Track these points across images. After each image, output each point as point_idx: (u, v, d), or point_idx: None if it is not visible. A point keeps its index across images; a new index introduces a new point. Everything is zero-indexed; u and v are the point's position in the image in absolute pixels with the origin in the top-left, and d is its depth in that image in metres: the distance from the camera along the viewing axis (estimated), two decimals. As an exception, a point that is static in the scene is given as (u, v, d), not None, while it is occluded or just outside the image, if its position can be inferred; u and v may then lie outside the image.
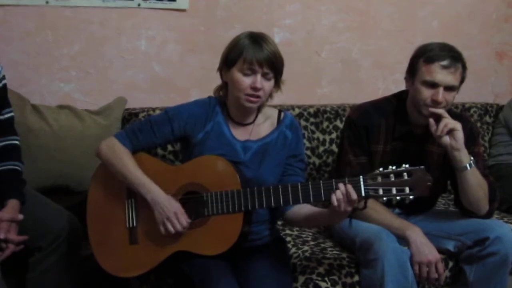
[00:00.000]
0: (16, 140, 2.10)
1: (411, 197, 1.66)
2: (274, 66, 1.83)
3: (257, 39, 1.84)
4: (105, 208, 1.93)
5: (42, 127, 2.40)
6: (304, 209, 1.89)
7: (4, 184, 1.99)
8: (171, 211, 1.78)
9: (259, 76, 1.81)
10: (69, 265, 1.99)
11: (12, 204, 1.93)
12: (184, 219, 1.79)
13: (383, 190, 1.66)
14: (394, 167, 1.67)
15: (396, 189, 1.66)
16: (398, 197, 1.66)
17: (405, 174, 1.66)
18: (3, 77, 2.05)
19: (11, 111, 2.10)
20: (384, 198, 1.67)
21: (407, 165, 1.67)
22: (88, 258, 1.95)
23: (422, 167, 1.67)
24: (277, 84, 1.91)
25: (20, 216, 1.92)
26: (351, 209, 1.68)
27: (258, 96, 1.83)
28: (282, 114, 2.00)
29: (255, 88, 1.81)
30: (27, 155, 2.19)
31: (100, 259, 1.90)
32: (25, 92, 2.49)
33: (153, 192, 1.81)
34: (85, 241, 1.97)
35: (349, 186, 1.66)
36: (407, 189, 1.65)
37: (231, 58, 1.85)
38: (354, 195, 1.66)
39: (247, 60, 1.80)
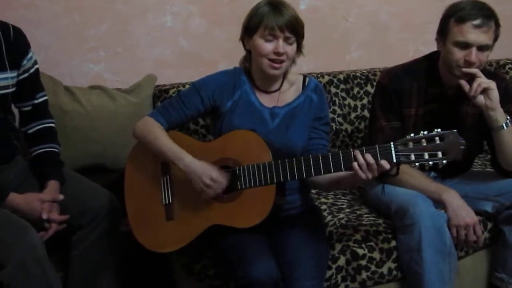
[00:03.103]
0: (52, 122, 2.15)
1: (444, 161, 1.62)
2: (296, 30, 1.84)
3: (276, 5, 1.85)
4: (141, 187, 1.96)
5: (76, 108, 2.43)
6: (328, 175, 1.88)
7: (43, 166, 2.05)
8: (208, 176, 1.79)
9: (281, 41, 1.83)
10: (111, 241, 2.04)
11: (52, 185, 1.99)
12: (222, 181, 1.80)
13: (415, 155, 1.63)
14: (425, 132, 1.64)
15: (429, 154, 1.63)
16: (430, 162, 1.63)
17: (437, 138, 1.62)
18: (35, 62, 2.09)
19: (45, 95, 2.14)
20: (417, 164, 1.64)
21: (439, 130, 1.64)
22: (128, 233, 1.99)
23: (455, 130, 1.63)
24: (299, 49, 1.91)
25: (61, 196, 1.97)
26: (377, 174, 1.67)
27: (281, 61, 1.85)
28: (307, 79, 2.01)
29: (278, 53, 1.83)
30: (63, 136, 2.24)
31: (138, 235, 1.94)
32: (56, 75, 2.51)
33: (187, 162, 1.83)
34: (124, 217, 2.01)
35: (368, 155, 1.65)
36: (439, 154, 1.62)
37: (251, 26, 1.86)
38: (386, 166, 1.65)
39: (268, 26, 1.82)
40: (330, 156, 1.73)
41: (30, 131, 2.10)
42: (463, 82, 1.99)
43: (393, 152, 1.65)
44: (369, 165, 1.65)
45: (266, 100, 1.96)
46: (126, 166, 2.00)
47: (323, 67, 2.88)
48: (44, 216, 1.90)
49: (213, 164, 1.85)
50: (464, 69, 1.98)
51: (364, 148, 1.68)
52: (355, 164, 1.67)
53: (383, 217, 2.18)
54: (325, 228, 2.10)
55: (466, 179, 2.27)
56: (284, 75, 1.98)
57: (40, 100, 2.12)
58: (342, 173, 1.81)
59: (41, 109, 2.12)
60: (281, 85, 1.98)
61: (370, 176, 1.66)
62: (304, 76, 2.02)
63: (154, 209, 1.93)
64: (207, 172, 1.80)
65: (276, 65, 1.85)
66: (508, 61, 3.14)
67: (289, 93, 1.98)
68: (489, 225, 2.18)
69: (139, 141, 1.95)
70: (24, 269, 1.74)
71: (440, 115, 2.12)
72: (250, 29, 1.87)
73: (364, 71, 2.85)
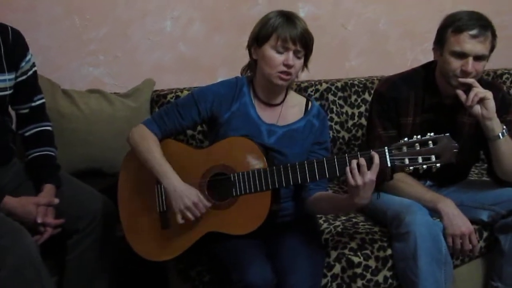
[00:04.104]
0: (49, 125, 2.15)
1: (437, 165, 1.64)
2: (307, 43, 1.84)
3: (289, 16, 1.85)
4: (136, 194, 1.96)
5: (74, 112, 2.43)
6: (325, 194, 1.91)
7: (40, 170, 2.04)
8: (190, 200, 1.79)
9: (291, 54, 1.82)
10: (106, 246, 2.04)
11: (48, 188, 1.99)
12: (203, 207, 1.81)
13: (409, 159, 1.65)
14: (419, 136, 1.66)
15: (422, 158, 1.64)
16: (424, 166, 1.65)
17: (430, 142, 1.64)
18: (33, 65, 2.09)
19: (42, 98, 2.14)
20: (411, 168, 1.66)
21: (431, 134, 1.65)
22: (123, 238, 1.99)
23: (447, 134, 1.65)
24: (305, 63, 1.91)
25: (56, 200, 1.97)
26: (370, 181, 1.65)
27: (289, 74, 1.83)
28: (310, 103, 2.00)
29: (287, 65, 1.82)
30: (60, 139, 2.24)
31: (132, 243, 1.94)
32: (55, 78, 2.52)
33: (172, 181, 1.82)
34: (119, 222, 2.01)
35: (362, 159, 1.65)
36: (433, 157, 1.64)
37: (263, 35, 1.84)
38: (376, 160, 1.64)
39: (281, 37, 1.80)
40: (324, 161, 1.74)
41: (27, 133, 2.10)
42: (459, 92, 2.00)
43: (387, 156, 1.66)
44: (360, 166, 1.65)
45: (266, 115, 1.95)
46: (120, 172, 2.00)
47: (322, 75, 2.88)
48: (39, 220, 1.90)
49: (208, 171, 1.86)
50: (461, 79, 1.99)
51: (358, 153, 1.69)
52: (347, 168, 1.67)
53: (379, 225, 2.18)
54: (321, 235, 2.10)
55: (462, 187, 2.27)
56: (287, 90, 1.98)
57: (38, 102, 2.12)
58: (341, 195, 1.82)
59: (38, 112, 2.12)
60: (284, 99, 1.97)
61: (359, 182, 1.65)
62: (307, 100, 2.01)
63: (149, 217, 1.93)
64: (189, 195, 1.80)
65: (285, 76, 1.83)
66: (505, 71, 3.15)
67: (291, 111, 1.97)
68: (485, 234, 2.18)
69: (132, 149, 1.95)
70: (19, 272, 1.74)
71: (437, 124, 2.12)
72: (260, 38, 1.85)
73: (362, 79, 2.86)
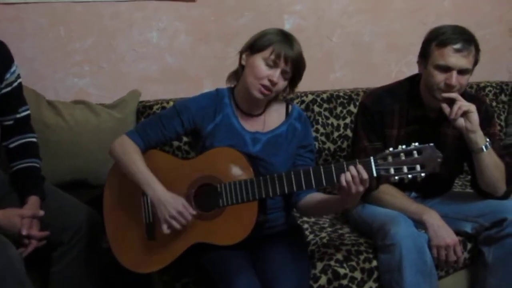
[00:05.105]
0: (34, 137, 2.13)
1: (422, 174, 1.66)
2: (297, 66, 1.86)
3: (288, 36, 1.87)
4: (122, 205, 1.95)
5: (58, 123, 2.42)
6: (316, 196, 1.92)
7: (24, 181, 2.02)
8: (175, 209, 1.78)
9: (279, 71, 1.83)
10: (91, 258, 2.02)
11: (33, 200, 1.97)
12: (188, 215, 1.79)
13: (394, 169, 1.67)
14: (404, 146, 1.68)
15: (407, 167, 1.67)
16: (409, 176, 1.67)
17: (415, 152, 1.67)
18: (18, 76, 2.07)
19: (27, 109, 2.12)
20: (396, 177, 1.67)
21: (416, 144, 1.67)
22: (109, 250, 1.98)
23: (432, 144, 1.67)
24: (292, 87, 1.93)
25: (41, 212, 1.95)
26: (363, 190, 1.69)
27: (270, 90, 1.84)
28: (290, 107, 2.01)
29: (271, 81, 1.83)
30: (45, 150, 2.22)
31: (118, 255, 1.92)
32: (40, 88, 2.50)
33: (156, 191, 1.81)
34: (104, 234, 1.99)
35: (360, 167, 1.68)
36: (418, 167, 1.66)
37: (259, 45, 1.85)
38: (365, 175, 1.67)
39: (275, 52, 1.82)
40: (311, 171, 1.75)
41: (11, 145, 2.07)
42: (444, 105, 2.02)
43: (373, 166, 1.68)
44: (354, 177, 1.67)
45: (249, 125, 1.96)
46: (106, 184, 1.98)
47: (308, 86, 2.89)
48: (24, 232, 1.88)
49: (194, 181, 1.86)
50: (444, 94, 2.01)
51: (345, 162, 1.71)
52: (342, 177, 1.68)
53: (364, 237, 2.19)
54: (307, 247, 2.11)
55: (446, 199, 2.29)
56: (268, 102, 1.98)
57: (23, 114, 2.10)
58: (331, 196, 1.86)
59: (23, 123, 2.10)
60: (264, 110, 1.98)
61: (360, 189, 1.68)
62: (287, 104, 2.03)
63: (135, 229, 1.91)
64: (174, 204, 1.79)
65: (265, 91, 1.84)
66: (488, 84, 3.19)
67: (273, 118, 1.98)
68: (469, 245, 2.20)
69: (115, 161, 1.94)
70: (3, 285, 1.72)
71: (422, 136, 2.11)
72: (255, 46, 1.86)
73: (347, 91, 2.88)
